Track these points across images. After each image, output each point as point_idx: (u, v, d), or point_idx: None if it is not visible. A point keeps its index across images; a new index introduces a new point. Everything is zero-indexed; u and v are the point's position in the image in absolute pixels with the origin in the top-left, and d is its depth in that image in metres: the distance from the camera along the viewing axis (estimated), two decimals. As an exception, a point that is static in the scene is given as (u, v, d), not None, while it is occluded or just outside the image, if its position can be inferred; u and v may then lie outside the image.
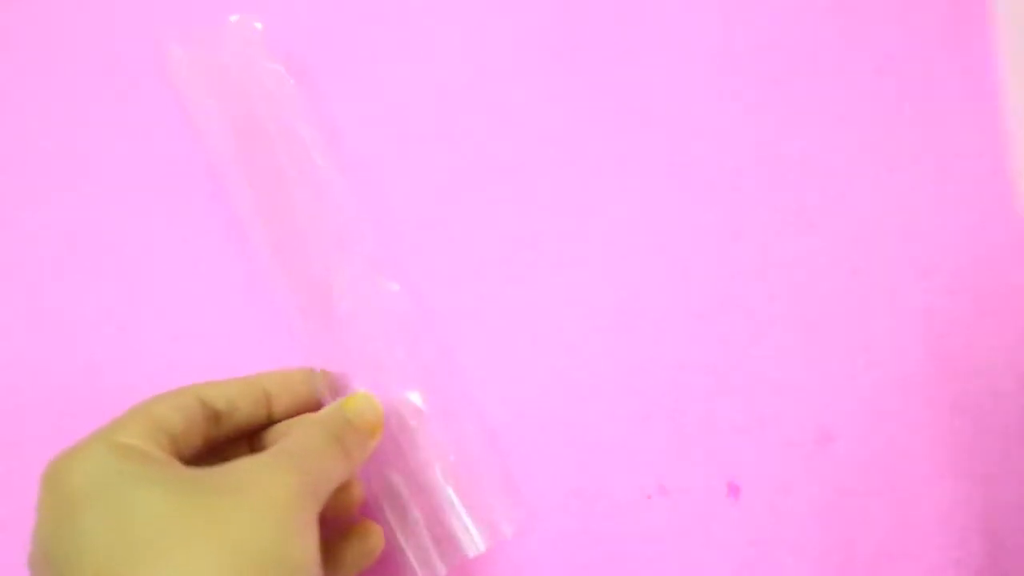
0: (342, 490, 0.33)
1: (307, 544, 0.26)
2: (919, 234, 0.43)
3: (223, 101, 0.39)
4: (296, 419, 0.34)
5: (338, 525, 0.34)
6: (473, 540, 0.35)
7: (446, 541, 0.35)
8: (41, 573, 0.25)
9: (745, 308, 0.42)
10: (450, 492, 0.35)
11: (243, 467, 0.27)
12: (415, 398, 0.37)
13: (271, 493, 0.26)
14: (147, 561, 0.23)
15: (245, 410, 0.33)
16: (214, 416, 0.31)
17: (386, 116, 0.47)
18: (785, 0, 0.47)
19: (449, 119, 0.46)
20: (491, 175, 0.45)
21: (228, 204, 0.38)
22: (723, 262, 0.43)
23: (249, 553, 0.24)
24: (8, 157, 0.47)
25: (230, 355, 0.42)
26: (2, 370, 0.43)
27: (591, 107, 0.46)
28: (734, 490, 0.39)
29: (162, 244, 0.45)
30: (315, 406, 0.35)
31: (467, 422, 0.39)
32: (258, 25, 0.40)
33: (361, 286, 0.38)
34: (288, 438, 0.30)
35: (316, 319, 0.37)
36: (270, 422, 0.34)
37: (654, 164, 0.45)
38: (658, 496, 0.39)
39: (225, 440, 0.33)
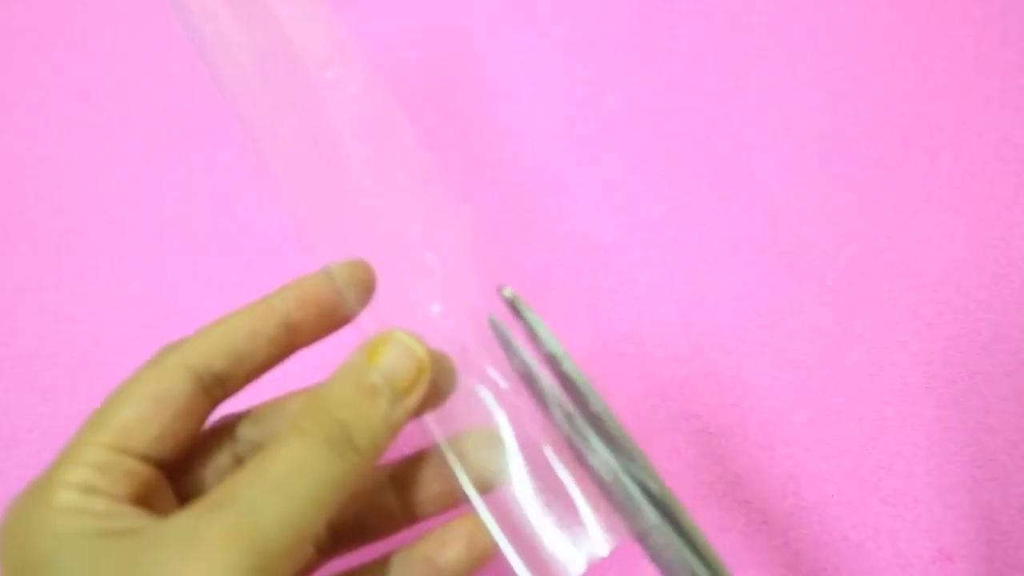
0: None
1: None
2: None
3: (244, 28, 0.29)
4: (292, 405, 0.27)
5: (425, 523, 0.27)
6: (599, 538, 0.25)
7: (565, 542, 0.25)
8: None
9: (856, 413, 0.41)
10: (566, 476, 0.25)
11: (169, 530, 0.21)
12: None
13: None
14: None
15: (259, 354, 0.25)
16: (216, 382, 0.24)
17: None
18: (891, 81, 0.47)
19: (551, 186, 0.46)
20: (593, 253, 0.44)
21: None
22: (833, 359, 0.41)
23: None
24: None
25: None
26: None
27: (692, 191, 0.46)
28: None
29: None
30: (345, 318, 0.26)
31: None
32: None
33: (435, 216, 0.28)
34: (252, 463, 0.22)
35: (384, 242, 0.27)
36: (295, 349, 0.26)
37: (759, 250, 0.44)
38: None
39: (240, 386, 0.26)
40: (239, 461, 0.26)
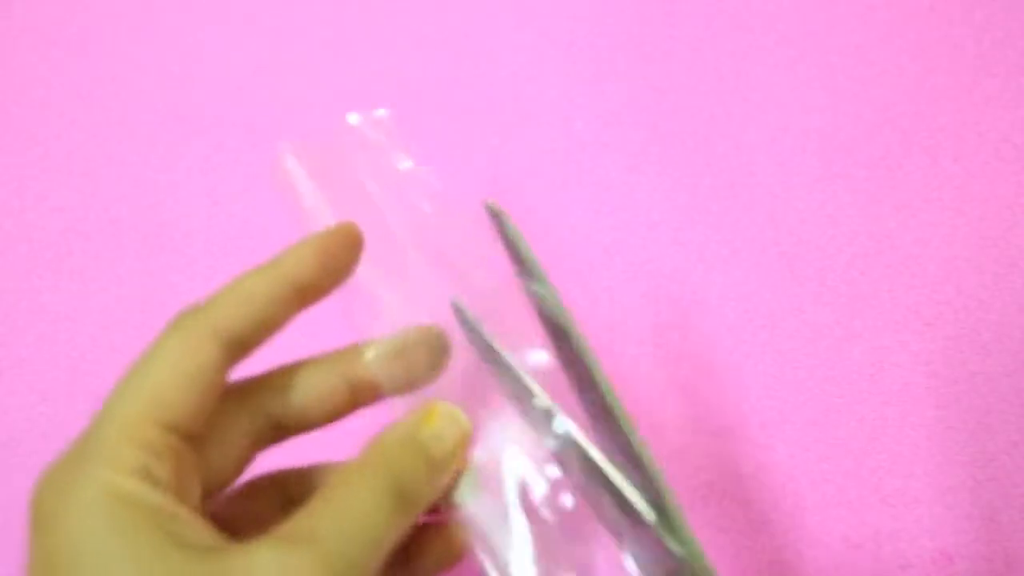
0: (430, 537, 0.27)
1: None
2: None
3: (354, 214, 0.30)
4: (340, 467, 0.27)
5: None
6: None
7: None
8: None
9: (856, 413, 0.41)
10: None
11: (256, 560, 0.21)
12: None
13: None
14: None
15: (277, 318, 0.25)
16: (240, 347, 0.25)
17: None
18: (891, 81, 0.47)
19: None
20: (594, 253, 0.44)
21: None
22: (833, 359, 0.42)
23: None
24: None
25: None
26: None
27: (692, 191, 0.46)
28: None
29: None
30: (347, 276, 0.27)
31: None
32: (381, 112, 0.32)
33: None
34: (321, 504, 0.23)
35: None
36: (302, 310, 0.26)
37: (759, 250, 0.44)
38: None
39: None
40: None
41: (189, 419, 0.23)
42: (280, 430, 0.26)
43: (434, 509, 0.26)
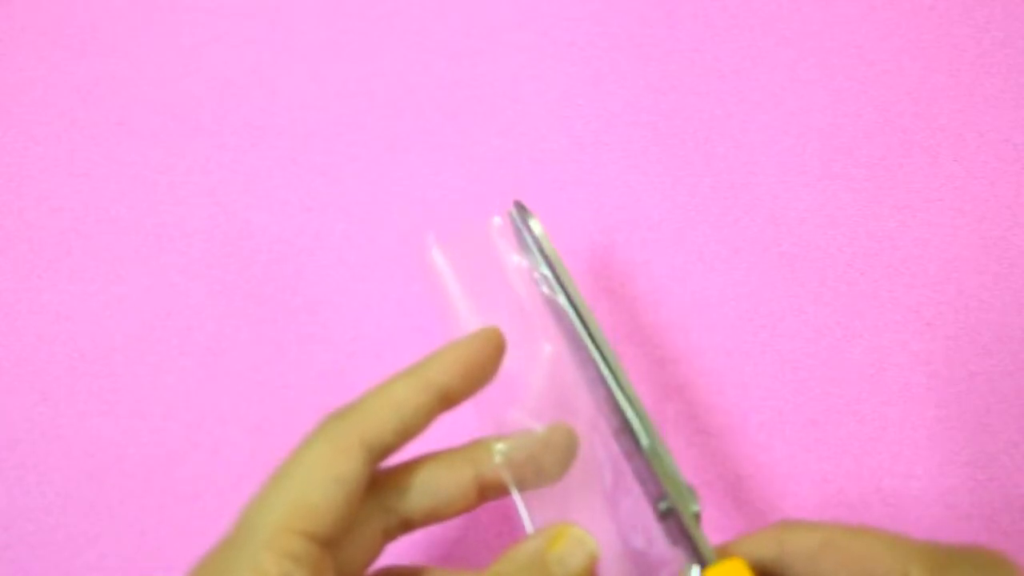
0: None
1: None
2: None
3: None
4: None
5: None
6: None
7: None
8: None
9: (856, 413, 0.41)
10: None
11: None
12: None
13: None
14: None
15: (420, 426, 0.26)
16: (384, 455, 0.26)
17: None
18: (891, 81, 0.47)
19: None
20: (594, 254, 0.44)
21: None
22: (833, 359, 0.41)
23: None
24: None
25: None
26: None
27: (692, 191, 0.45)
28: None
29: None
30: (490, 378, 0.28)
31: None
32: (535, 225, 0.34)
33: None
34: None
35: None
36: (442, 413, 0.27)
37: (759, 250, 0.44)
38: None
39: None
40: None
41: (331, 527, 0.24)
42: (409, 525, 0.27)
43: None
